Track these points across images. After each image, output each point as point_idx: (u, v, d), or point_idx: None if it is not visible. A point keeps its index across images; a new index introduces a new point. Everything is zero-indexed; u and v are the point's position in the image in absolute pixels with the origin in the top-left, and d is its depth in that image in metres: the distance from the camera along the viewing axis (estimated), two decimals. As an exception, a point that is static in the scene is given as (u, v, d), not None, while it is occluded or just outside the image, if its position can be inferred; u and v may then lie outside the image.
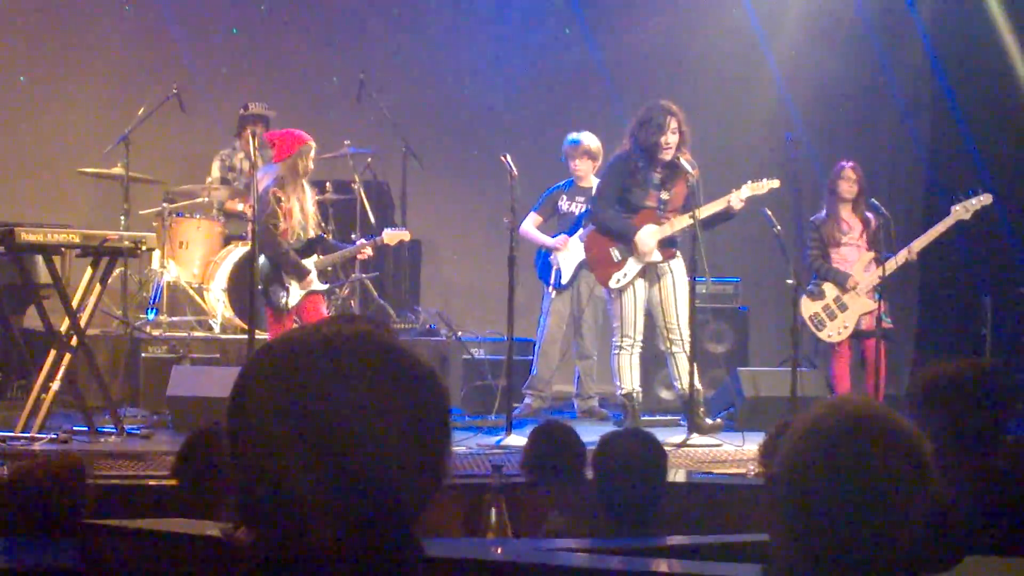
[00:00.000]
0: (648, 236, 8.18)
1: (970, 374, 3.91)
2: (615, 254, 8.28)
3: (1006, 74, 11.36)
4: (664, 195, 8.22)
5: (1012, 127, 11.39)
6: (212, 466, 3.99)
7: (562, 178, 9.61)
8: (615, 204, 8.29)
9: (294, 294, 8.31)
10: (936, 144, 12.07)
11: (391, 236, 8.86)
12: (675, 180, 8.22)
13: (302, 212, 8.32)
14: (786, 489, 2.10)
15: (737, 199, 8.17)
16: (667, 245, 8.27)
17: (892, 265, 8.74)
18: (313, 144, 8.33)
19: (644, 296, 8.31)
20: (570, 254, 9.40)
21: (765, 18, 12.20)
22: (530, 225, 9.50)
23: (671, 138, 8.09)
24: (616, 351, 8.33)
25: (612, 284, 8.30)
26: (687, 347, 8.14)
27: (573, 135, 9.52)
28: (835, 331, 8.93)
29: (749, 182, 8.27)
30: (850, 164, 9.08)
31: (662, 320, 8.27)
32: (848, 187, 8.98)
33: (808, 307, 8.89)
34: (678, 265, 8.30)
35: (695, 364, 8.07)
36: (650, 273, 8.30)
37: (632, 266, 8.25)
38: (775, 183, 8.32)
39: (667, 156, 8.11)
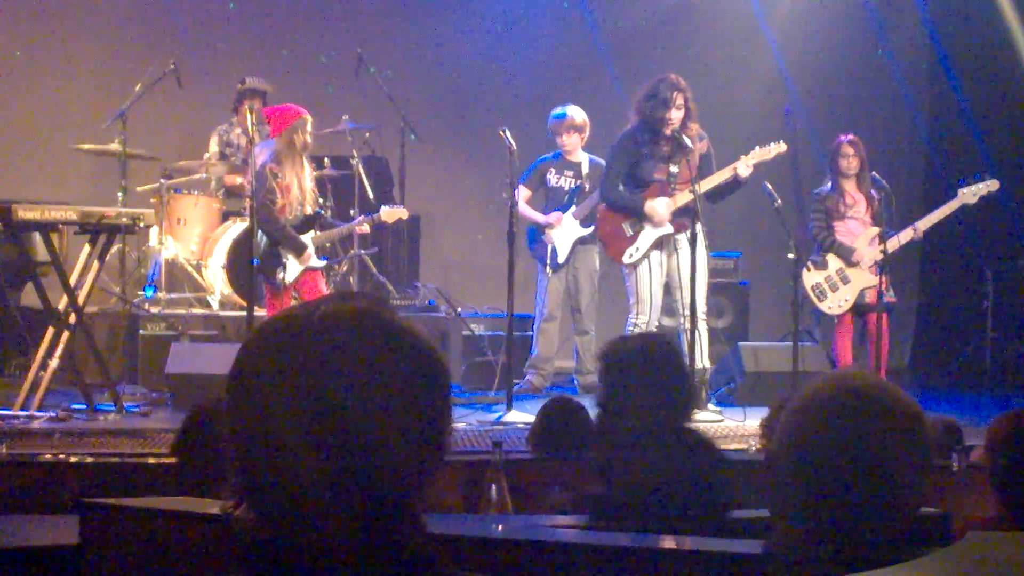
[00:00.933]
0: (660, 204, 8.14)
1: (641, 346, 3.95)
2: (627, 229, 8.25)
3: (1005, 48, 11.34)
4: (673, 168, 8.13)
5: (1011, 101, 11.37)
6: (213, 444, 3.97)
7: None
8: (624, 181, 8.25)
9: (292, 270, 8.28)
10: (936, 117, 12.06)
11: (389, 214, 8.84)
12: (683, 152, 8.14)
13: (300, 188, 8.28)
14: (787, 463, 2.09)
15: (744, 166, 8.10)
16: (679, 216, 8.17)
17: (895, 243, 8.70)
18: (309, 117, 8.27)
19: (661, 271, 8.25)
20: (563, 231, 9.37)
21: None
22: (521, 200, 9.41)
23: (675, 113, 8.04)
24: (631, 327, 8.28)
25: (626, 259, 8.26)
26: (697, 323, 8.09)
27: (559, 108, 9.47)
28: (836, 303, 8.90)
29: (756, 148, 8.21)
30: (848, 139, 9.00)
31: (678, 294, 8.20)
32: (847, 163, 8.93)
33: (810, 277, 8.84)
34: (693, 238, 8.15)
35: (701, 341, 8.05)
36: (667, 246, 8.24)
37: (644, 239, 8.21)
38: (782, 147, 8.25)
39: (670, 130, 8.06)
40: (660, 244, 8.23)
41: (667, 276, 8.27)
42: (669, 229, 8.17)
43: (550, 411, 5.07)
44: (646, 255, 8.22)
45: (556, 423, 4.97)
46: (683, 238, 8.09)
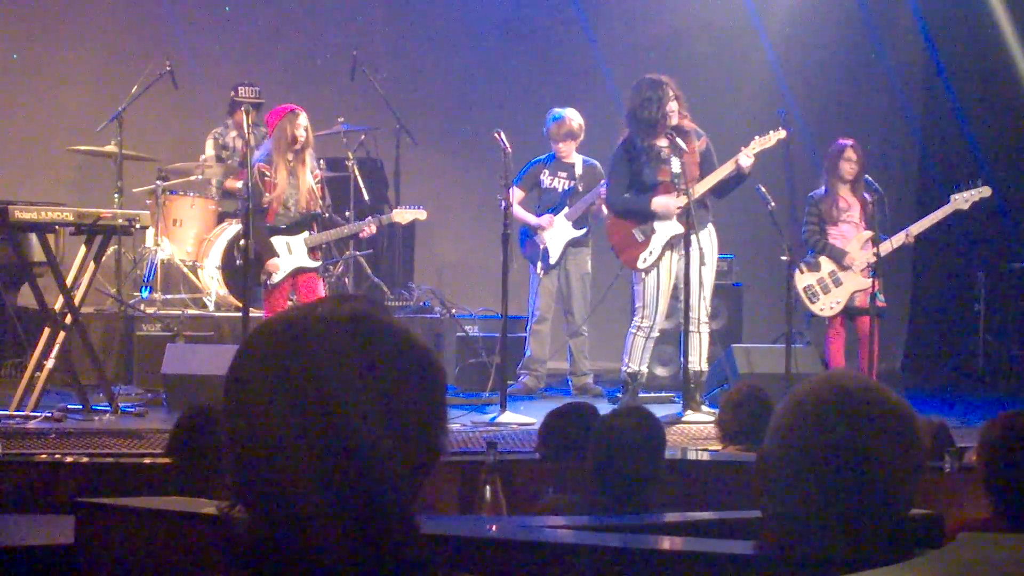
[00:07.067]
0: (666, 199, 8.14)
1: None
2: (638, 235, 8.25)
3: (998, 51, 11.36)
4: (676, 167, 8.12)
5: (1004, 104, 11.40)
6: (207, 444, 3.99)
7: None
8: (629, 188, 8.26)
9: (280, 271, 8.33)
10: (929, 121, 12.09)
11: (401, 214, 8.85)
12: (680, 150, 8.12)
13: (295, 186, 8.30)
14: (778, 464, 2.10)
15: (745, 157, 8.10)
16: (684, 217, 8.15)
17: (888, 247, 8.72)
18: (300, 112, 8.28)
19: (670, 277, 8.25)
20: (555, 233, 9.38)
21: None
22: (514, 201, 9.38)
23: (672, 105, 8.07)
24: (634, 330, 8.31)
25: (640, 264, 8.25)
26: (699, 325, 8.10)
27: (556, 111, 9.47)
28: (827, 305, 8.91)
29: (756, 137, 8.21)
30: (851, 144, 8.96)
31: (682, 296, 8.19)
32: (850, 168, 8.91)
33: (803, 279, 8.86)
34: (703, 239, 8.07)
35: (701, 344, 8.08)
36: (678, 247, 8.21)
37: (657, 242, 8.21)
38: (782, 134, 8.24)
39: (673, 122, 8.09)
40: (672, 246, 8.22)
41: (675, 278, 8.27)
42: (679, 228, 8.14)
43: (557, 418, 5.06)
44: (659, 258, 8.22)
45: (564, 429, 4.97)
46: (694, 239, 8.03)
